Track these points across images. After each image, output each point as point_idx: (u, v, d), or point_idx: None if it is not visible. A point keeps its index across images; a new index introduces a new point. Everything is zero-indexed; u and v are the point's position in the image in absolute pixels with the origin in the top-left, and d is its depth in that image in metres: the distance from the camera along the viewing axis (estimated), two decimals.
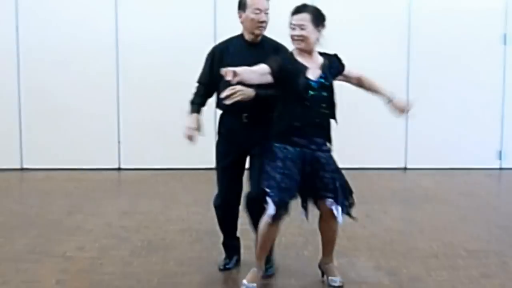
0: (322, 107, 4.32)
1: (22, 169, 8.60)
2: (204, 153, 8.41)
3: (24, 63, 8.54)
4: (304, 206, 4.41)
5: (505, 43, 8.52)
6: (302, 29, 4.22)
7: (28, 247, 5.24)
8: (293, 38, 4.27)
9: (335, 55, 4.46)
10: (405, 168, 8.69)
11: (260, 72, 4.17)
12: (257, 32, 4.51)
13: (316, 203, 4.39)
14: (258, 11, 4.46)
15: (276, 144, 4.25)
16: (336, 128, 8.62)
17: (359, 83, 4.65)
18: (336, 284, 4.46)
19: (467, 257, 5.06)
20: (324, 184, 4.29)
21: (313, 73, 4.29)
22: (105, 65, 8.53)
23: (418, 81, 8.55)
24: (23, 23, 8.49)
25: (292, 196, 4.25)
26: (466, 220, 6.21)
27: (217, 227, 4.87)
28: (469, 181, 8.05)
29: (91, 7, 8.50)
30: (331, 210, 4.35)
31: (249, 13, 4.48)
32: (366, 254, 5.12)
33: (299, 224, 5.73)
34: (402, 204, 6.87)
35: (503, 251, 5.26)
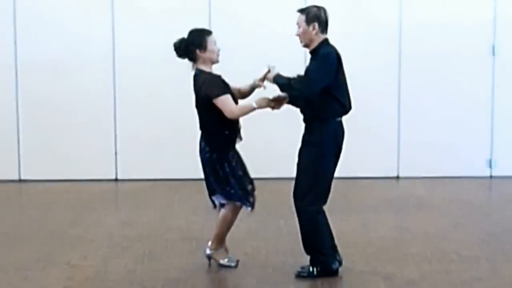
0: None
1: (20, 181, 8.71)
2: (199, 164, 8.61)
3: (22, 75, 8.66)
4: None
5: (493, 54, 8.74)
6: None
7: (33, 256, 5.38)
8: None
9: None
10: (397, 177, 8.86)
11: None
12: None
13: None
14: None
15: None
16: None
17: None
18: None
19: (460, 262, 5.24)
20: None
21: None
22: (102, 78, 8.67)
23: (409, 92, 8.74)
24: (21, 35, 8.62)
25: None
26: (458, 227, 6.39)
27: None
28: (460, 189, 8.23)
29: (88, 21, 8.64)
30: None
31: None
32: (363, 261, 5.28)
33: None
34: (396, 213, 7.04)
35: (494, 256, 5.45)
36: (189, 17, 8.63)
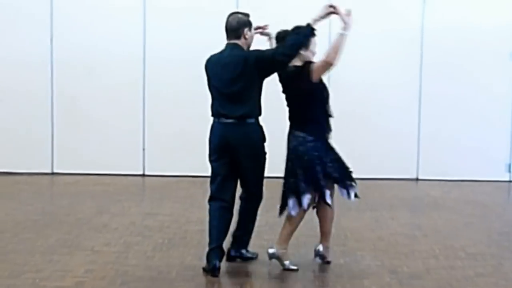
0: None
1: (52, 173, 9.11)
2: None
3: (57, 74, 9.07)
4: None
5: None
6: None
7: (59, 242, 5.71)
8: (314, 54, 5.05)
9: None
10: (417, 179, 9.03)
11: None
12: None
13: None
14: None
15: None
16: (351, 140, 9.03)
17: None
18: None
19: (466, 259, 5.41)
20: None
21: None
22: (132, 77, 9.03)
23: (430, 96, 8.92)
24: (56, 35, 9.03)
25: None
26: (469, 226, 6.56)
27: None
28: (477, 192, 8.37)
29: (121, 21, 9.02)
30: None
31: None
32: (371, 254, 5.49)
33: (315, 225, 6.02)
34: (410, 211, 7.22)
35: (501, 254, 5.61)
36: (218, 17, 8.89)
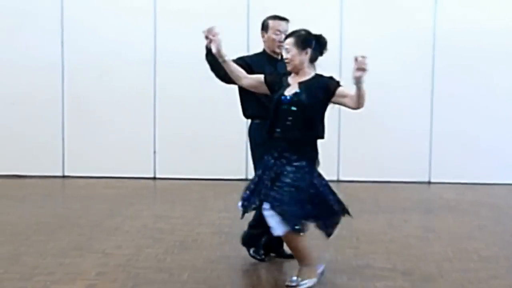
0: (288, 120, 4.52)
1: (64, 177, 9.12)
2: (235, 164, 8.88)
3: (68, 77, 9.08)
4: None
5: None
6: (287, 52, 4.59)
7: (70, 244, 5.70)
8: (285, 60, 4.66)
9: (330, 77, 4.59)
10: (429, 182, 8.97)
11: (255, 78, 4.76)
12: (277, 50, 5.12)
13: None
14: (278, 32, 5.11)
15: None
16: (362, 142, 9.00)
17: (353, 100, 4.46)
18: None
19: (479, 261, 5.36)
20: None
21: (290, 90, 4.56)
22: (143, 80, 9.03)
23: (442, 97, 8.87)
24: (67, 38, 9.05)
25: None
26: (483, 228, 6.50)
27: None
28: (491, 194, 8.31)
29: (131, 25, 9.02)
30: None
31: (270, 34, 5.15)
32: (384, 257, 5.44)
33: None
34: (423, 214, 7.18)
35: None
36: (228, 20, 8.92)
